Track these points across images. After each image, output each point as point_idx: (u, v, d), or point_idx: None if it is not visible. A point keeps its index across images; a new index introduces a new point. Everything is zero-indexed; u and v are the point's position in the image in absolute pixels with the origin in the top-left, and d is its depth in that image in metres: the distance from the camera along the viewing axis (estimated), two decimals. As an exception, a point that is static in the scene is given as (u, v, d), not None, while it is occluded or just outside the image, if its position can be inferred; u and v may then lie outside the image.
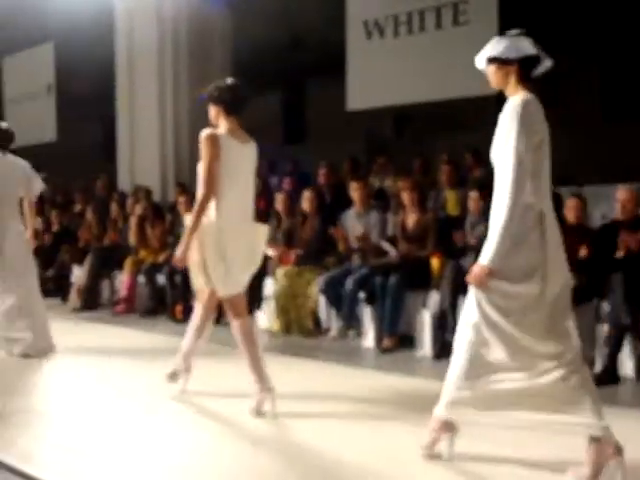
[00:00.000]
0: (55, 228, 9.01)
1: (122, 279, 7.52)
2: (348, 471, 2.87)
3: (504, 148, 2.66)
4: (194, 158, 9.01)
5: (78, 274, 7.81)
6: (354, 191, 6.06)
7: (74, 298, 7.65)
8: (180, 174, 8.85)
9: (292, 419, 3.55)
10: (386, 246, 5.67)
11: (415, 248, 5.54)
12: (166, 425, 3.56)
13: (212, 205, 3.56)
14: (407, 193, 5.64)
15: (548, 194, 2.75)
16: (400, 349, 5.23)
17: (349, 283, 5.48)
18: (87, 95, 12.09)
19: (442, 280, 5.10)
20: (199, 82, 8.99)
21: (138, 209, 7.80)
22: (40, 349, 5.12)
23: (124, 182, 9.25)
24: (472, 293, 2.75)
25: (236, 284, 3.71)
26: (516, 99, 2.70)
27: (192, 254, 3.59)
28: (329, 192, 7.15)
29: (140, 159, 9.11)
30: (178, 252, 3.60)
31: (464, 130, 8.44)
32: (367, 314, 5.53)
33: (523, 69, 2.78)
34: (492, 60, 2.81)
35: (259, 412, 3.56)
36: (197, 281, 3.78)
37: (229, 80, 3.88)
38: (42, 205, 9.73)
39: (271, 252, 6.16)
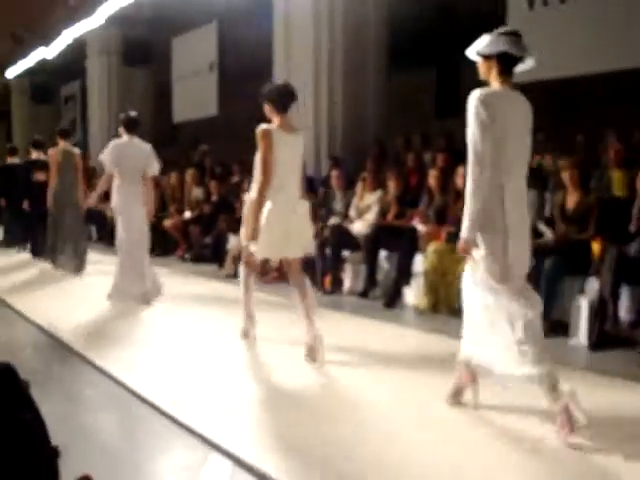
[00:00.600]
0: (214, 198, 9.52)
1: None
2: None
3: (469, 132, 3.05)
4: (347, 133, 9.15)
5: (234, 242, 8.18)
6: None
7: (229, 265, 8.04)
8: (333, 148, 8.99)
9: (431, 395, 3.53)
10: (543, 228, 5.44)
11: (574, 231, 5.26)
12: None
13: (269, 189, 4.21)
14: (568, 172, 5.35)
15: (514, 171, 3.12)
16: (552, 336, 4.99)
17: (500, 263, 5.31)
18: (246, 72, 12.55)
19: (603, 266, 4.80)
20: (354, 58, 9.05)
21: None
22: (146, 297, 6.26)
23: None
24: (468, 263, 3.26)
25: (287, 251, 4.36)
26: (476, 92, 3.06)
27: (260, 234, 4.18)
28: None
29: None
30: (247, 232, 4.31)
31: (634, 105, 7.83)
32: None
33: (502, 64, 3.12)
34: (478, 54, 3.19)
35: (312, 358, 4.22)
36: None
37: (279, 82, 4.63)
38: (202, 176, 10.32)
39: (421, 228, 6.13)
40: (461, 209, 5.80)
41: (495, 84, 3.16)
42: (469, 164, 3.09)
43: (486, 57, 3.18)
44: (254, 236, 4.19)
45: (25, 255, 10.02)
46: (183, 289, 7.15)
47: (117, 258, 6.47)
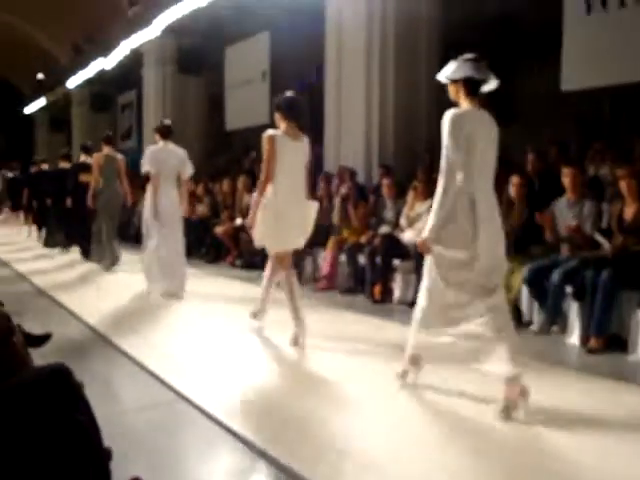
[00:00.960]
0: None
1: (325, 257, 7.81)
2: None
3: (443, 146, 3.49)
4: (399, 141, 9.10)
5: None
6: (566, 178, 5.70)
7: (279, 273, 8.08)
8: (384, 157, 8.95)
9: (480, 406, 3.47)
10: (600, 238, 5.29)
11: (633, 242, 5.10)
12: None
13: (270, 187, 4.75)
14: (626, 181, 5.20)
15: (483, 183, 3.55)
16: (608, 351, 4.86)
17: (556, 275, 5.20)
18: (297, 80, 12.62)
19: (663, 279, 4.65)
20: (406, 66, 9.01)
21: (342, 189, 8.05)
22: (172, 293, 6.83)
23: (330, 163, 9.55)
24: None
25: (284, 244, 4.93)
26: (449, 112, 3.54)
27: (257, 223, 4.79)
28: (537, 179, 6.81)
29: (346, 141, 9.35)
30: (248, 220, 4.89)
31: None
32: (573, 310, 5.20)
33: (467, 87, 3.59)
34: (446, 79, 3.66)
35: (294, 343, 4.83)
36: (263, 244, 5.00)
37: (288, 93, 5.01)
38: (253, 183, 10.41)
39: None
40: (515, 219, 5.78)
41: (464, 104, 3.62)
42: (441, 174, 3.54)
43: (454, 81, 3.66)
44: (250, 225, 4.87)
45: (69, 256, 10.71)
46: (230, 294, 7.22)
47: (147, 255, 7.09)
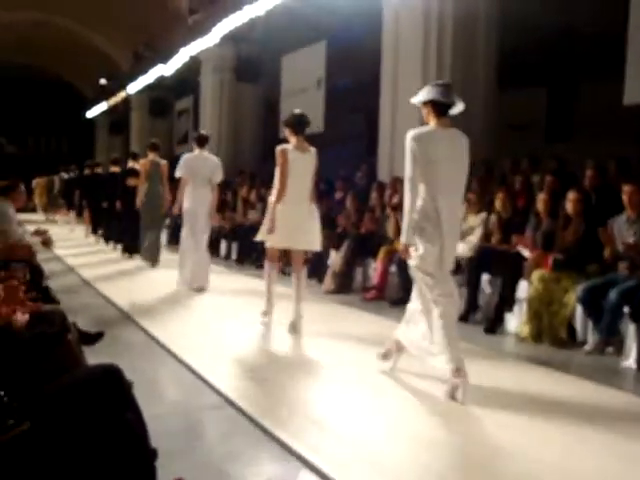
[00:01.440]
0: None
1: (375, 267, 7.77)
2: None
3: None
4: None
5: (334, 258, 8.22)
6: (625, 194, 5.53)
7: (328, 281, 8.07)
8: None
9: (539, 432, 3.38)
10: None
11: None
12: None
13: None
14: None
15: (447, 195, 3.99)
16: None
17: (613, 294, 5.04)
18: (352, 89, 12.65)
19: None
20: (462, 77, 8.91)
21: (394, 199, 8.00)
22: (197, 287, 7.58)
23: (383, 172, 9.51)
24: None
25: (281, 242, 5.64)
26: (410, 132, 4.05)
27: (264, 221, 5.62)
28: (595, 194, 6.64)
29: (400, 151, 9.27)
30: (265, 223, 5.52)
31: None
32: (630, 331, 5.04)
33: (435, 109, 4.07)
34: (418, 102, 4.14)
35: (263, 322, 5.82)
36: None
37: (296, 111, 5.75)
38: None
39: (527, 253, 5.92)
40: (571, 235, 5.63)
41: (432, 124, 4.11)
42: (405, 185, 4.06)
43: (424, 104, 4.11)
44: (270, 231, 5.49)
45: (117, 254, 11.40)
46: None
47: (180, 253, 7.82)
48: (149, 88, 20.24)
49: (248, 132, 15.92)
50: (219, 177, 7.82)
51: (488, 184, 7.96)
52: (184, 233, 7.76)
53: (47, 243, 6.04)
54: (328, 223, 9.05)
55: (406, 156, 4.00)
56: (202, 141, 7.79)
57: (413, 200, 3.95)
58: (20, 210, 6.40)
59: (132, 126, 23.27)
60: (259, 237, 5.77)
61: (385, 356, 4.49)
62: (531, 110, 10.88)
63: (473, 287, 6.34)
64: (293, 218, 5.45)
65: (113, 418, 1.87)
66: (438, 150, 3.99)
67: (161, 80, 18.57)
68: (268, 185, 12.16)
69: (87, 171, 15.61)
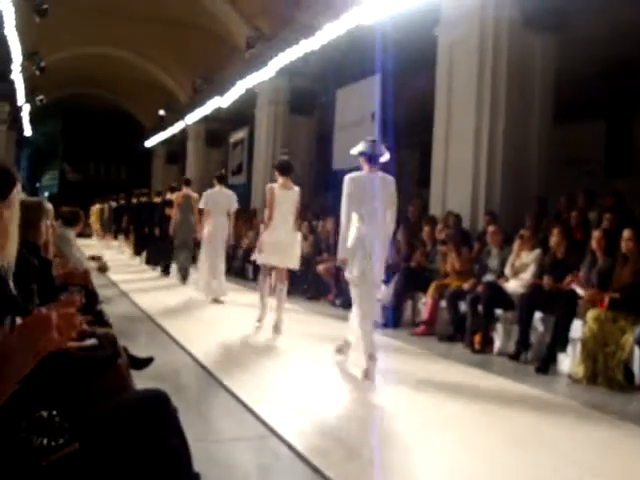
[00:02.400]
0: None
1: (425, 302, 7.69)
2: None
3: None
4: (506, 188, 8.90)
5: (384, 291, 8.16)
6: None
7: (378, 314, 7.98)
8: (491, 203, 8.76)
9: None
10: None
11: None
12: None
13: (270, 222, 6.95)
14: None
15: (373, 223, 5.19)
16: None
17: (672, 337, 4.86)
18: (406, 123, 12.66)
19: None
20: (517, 110, 8.85)
21: (442, 234, 7.94)
22: (215, 296, 9.06)
23: (436, 207, 9.46)
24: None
25: (269, 260, 7.04)
26: (347, 175, 5.32)
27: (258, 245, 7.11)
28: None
29: (452, 186, 9.24)
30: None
31: None
32: (692, 375, 4.85)
33: (365, 159, 5.32)
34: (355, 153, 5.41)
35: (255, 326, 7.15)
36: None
37: (283, 157, 7.60)
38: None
39: (582, 292, 5.76)
40: (627, 274, 5.45)
41: (365, 169, 5.35)
42: (341, 216, 5.33)
43: (359, 155, 5.36)
44: (259, 251, 7.01)
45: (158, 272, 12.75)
46: (325, 332, 7.22)
47: (201, 268, 9.44)
48: (205, 119, 20.71)
49: (301, 164, 16.06)
50: (234, 207, 9.37)
51: (541, 220, 7.83)
52: (203, 255, 9.43)
53: (103, 269, 6.21)
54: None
55: (343, 194, 5.23)
56: (221, 178, 9.56)
57: (347, 226, 5.23)
58: (78, 235, 6.60)
59: (188, 156, 23.81)
60: (253, 257, 7.32)
61: (339, 351, 5.68)
62: (590, 144, 10.71)
63: (525, 325, 6.19)
64: (278, 242, 6.88)
65: (158, 443, 1.88)
66: (363, 191, 5.20)
67: (217, 112, 18.99)
68: (320, 216, 12.30)
69: (134, 200, 17.66)
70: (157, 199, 14.29)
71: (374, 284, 5.30)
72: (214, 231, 9.18)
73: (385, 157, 5.37)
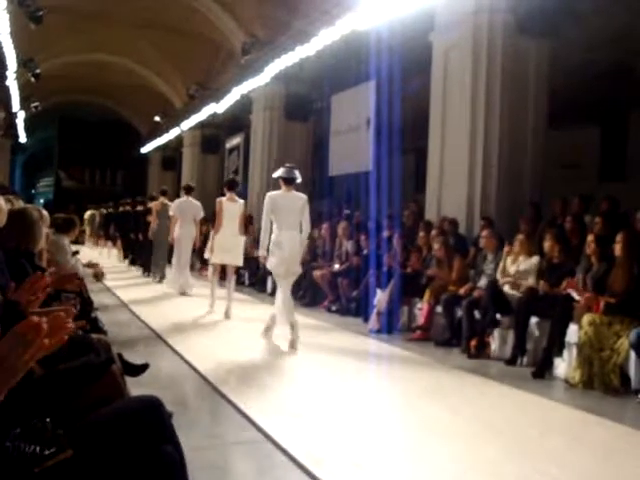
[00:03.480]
0: (365, 252, 9.58)
1: (421, 307, 7.69)
2: None
3: None
4: (501, 194, 8.91)
5: (380, 297, 8.17)
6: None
7: (374, 320, 8.01)
8: (486, 208, 8.77)
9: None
10: None
11: None
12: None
13: (220, 229, 8.53)
14: None
15: (286, 230, 6.58)
16: None
17: (668, 341, 4.86)
18: (401, 128, 12.68)
19: None
20: (511, 117, 8.87)
21: (435, 245, 7.92)
22: (182, 290, 10.67)
23: (431, 212, 9.47)
24: None
25: (218, 259, 8.80)
26: (268, 193, 6.82)
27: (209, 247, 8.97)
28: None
29: (448, 191, 9.25)
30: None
31: None
32: (688, 379, 4.85)
33: (282, 181, 6.74)
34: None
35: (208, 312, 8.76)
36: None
37: (230, 176, 13.66)
38: (357, 227, 10.45)
39: (577, 297, 5.76)
40: (620, 278, 5.45)
41: (282, 189, 6.75)
42: (262, 224, 6.87)
43: (278, 178, 6.83)
44: (211, 252, 8.70)
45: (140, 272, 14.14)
46: (317, 339, 7.22)
47: (172, 266, 11.22)
48: (201, 125, 20.72)
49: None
50: (200, 215, 10.98)
51: (537, 225, 7.84)
52: (176, 254, 11.03)
53: (99, 276, 6.19)
54: (376, 261, 9.05)
55: (264, 208, 6.69)
56: (188, 190, 11.09)
57: (265, 231, 6.71)
58: (73, 242, 6.58)
59: (184, 162, 23.79)
60: (206, 255, 9.28)
61: (267, 330, 6.84)
62: (585, 149, 10.73)
63: (521, 330, 6.19)
64: (226, 244, 8.49)
65: (152, 449, 1.87)
66: (280, 205, 6.64)
67: (213, 118, 18.99)
68: (317, 223, 12.31)
69: (121, 208, 19.33)
70: (140, 207, 15.76)
71: (289, 273, 6.69)
72: (181, 235, 10.77)
73: (298, 179, 6.82)
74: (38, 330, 1.47)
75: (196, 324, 8.07)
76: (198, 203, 10.92)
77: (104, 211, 22.77)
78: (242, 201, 8.84)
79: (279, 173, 6.84)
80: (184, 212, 10.75)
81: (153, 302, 9.89)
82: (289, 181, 6.74)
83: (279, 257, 6.56)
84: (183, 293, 10.60)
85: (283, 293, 6.65)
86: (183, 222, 10.73)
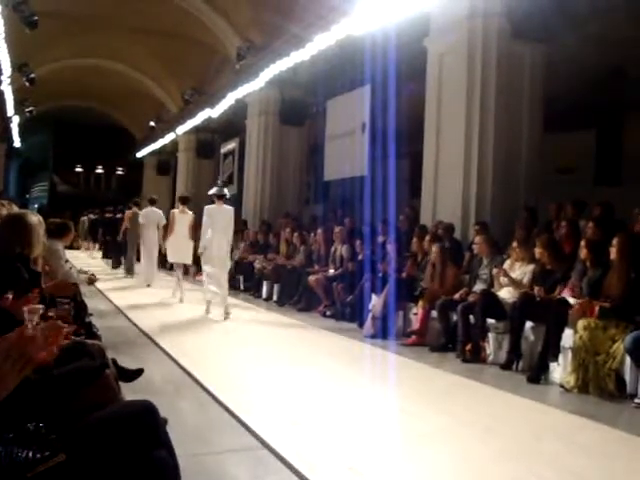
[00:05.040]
0: (360, 257, 9.57)
1: (416, 312, 7.67)
2: None
3: None
4: (497, 198, 8.90)
5: (375, 302, 8.16)
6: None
7: (368, 325, 8.00)
8: (481, 212, 8.78)
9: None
10: None
11: None
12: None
13: (172, 234, 10.92)
14: None
15: (218, 234, 8.81)
16: None
17: (663, 346, 4.87)
18: (396, 133, 12.68)
19: None
20: (507, 123, 8.88)
21: (433, 251, 7.91)
22: (147, 282, 12.73)
23: (426, 216, 9.47)
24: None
25: (172, 259, 11.44)
26: (205, 207, 9.10)
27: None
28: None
29: (443, 196, 9.26)
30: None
31: None
32: (683, 383, 4.85)
33: (215, 197, 8.96)
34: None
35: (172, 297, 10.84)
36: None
37: (182, 193, 14.73)
38: (350, 233, 10.42)
39: (572, 301, 5.77)
40: (615, 282, 5.44)
41: (216, 203, 8.86)
42: (202, 229, 8.95)
43: (212, 194, 8.96)
44: (167, 254, 11.24)
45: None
46: (311, 344, 7.20)
47: (141, 263, 13.50)
48: (196, 130, 20.71)
49: (292, 174, 16.09)
50: (163, 222, 12.64)
51: (532, 230, 7.84)
52: (144, 254, 13.18)
53: (92, 281, 6.17)
54: (370, 266, 9.04)
55: (203, 217, 8.89)
56: (153, 201, 13.40)
57: (205, 234, 8.80)
58: (66, 247, 6.56)
59: (179, 167, 23.77)
60: (169, 257, 11.52)
61: (207, 311, 9.03)
62: (580, 153, 10.75)
63: (516, 334, 6.18)
64: (177, 247, 10.87)
65: (145, 454, 1.86)
66: (214, 216, 8.83)
67: (208, 122, 18.98)
68: (310, 228, 12.32)
69: (107, 215, 21.78)
70: (120, 215, 18.40)
71: (217, 265, 8.86)
72: (147, 238, 12.98)
73: (227, 195, 9.14)
74: (31, 341, 1.46)
75: (191, 328, 8.05)
76: (160, 212, 13.18)
77: (92, 217, 24.84)
78: (191, 212, 10.99)
79: (213, 191, 9.01)
80: (149, 219, 13.04)
81: (146, 306, 9.87)
82: (220, 197, 8.91)
83: (209, 253, 8.85)
84: (148, 285, 12.65)
85: (217, 282, 8.88)
86: (148, 228, 12.93)
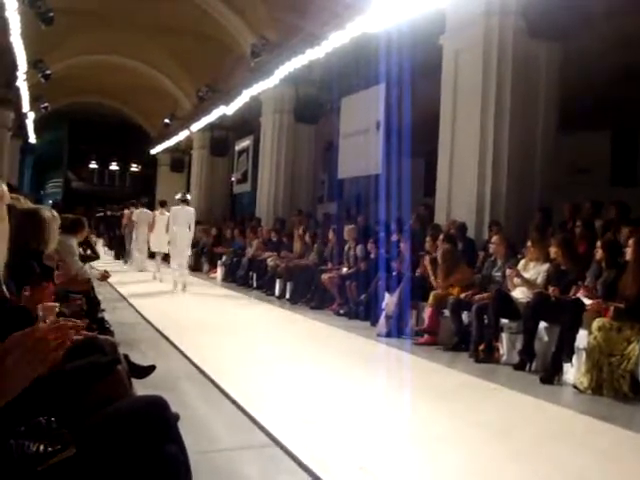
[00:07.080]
0: (373, 255, 9.54)
1: (427, 311, 7.64)
2: None
3: None
4: (511, 198, 8.84)
5: (389, 301, 8.12)
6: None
7: (382, 323, 7.97)
8: (496, 212, 8.72)
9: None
10: None
11: None
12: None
13: (155, 230, 14.29)
14: None
15: (180, 229, 11.78)
16: None
17: (679, 347, 4.82)
18: (411, 131, 12.62)
19: None
20: (522, 122, 8.82)
21: (439, 250, 7.87)
22: (140, 269, 15.40)
23: (441, 215, 9.42)
24: None
25: (153, 248, 14.71)
26: (172, 207, 12.72)
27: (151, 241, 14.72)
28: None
29: (457, 195, 9.21)
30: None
31: None
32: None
33: (180, 201, 12.19)
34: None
35: (153, 277, 13.87)
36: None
37: (182, 192, 13.38)
38: (365, 232, 10.40)
39: (587, 302, 5.71)
40: (631, 282, 5.39)
41: (180, 205, 12.03)
42: (170, 224, 12.23)
43: (177, 200, 12.35)
44: (149, 245, 14.82)
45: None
46: (324, 343, 7.19)
47: (136, 253, 15.96)
48: (211, 128, 20.76)
49: (306, 172, 16.09)
50: (151, 219, 14.74)
51: (546, 230, 7.78)
52: (135, 246, 15.95)
53: (105, 277, 6.19)
54: (384, 265, 9.00)
55: (170, 216, 12.01)
56: (187, 200, 13.89)
57: (171, 230, 11.82)
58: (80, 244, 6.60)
59: (193, 164, 23.83)
60: (153, 247, 14.44)
61: (174, 287, 11.43)
62: (596, 154, 10.66)
63: (530, 335, 6.13)
64: (157, 239, 13.83)
65: (156, 449, 1.86)
66: (178, 216, 11.70)
67: (222, 120, 19.01)
68: (324, 226, 12.31)
69: (109, 212, 24.97)
70: (121, 212, 20.09)
71: (179, 251, 11.67)
72: (140, 234, 15.42)
73: (189, 199, 12.32)
74: (43, 341, 1.45)
75: (202, 324, 8.06)
76: (150, 212, 15.71)
77: (97, 215, 27.56)
78: (167, 213, 13.00)
79: (178, 196, 12.18)
80: (141, 218, 15.66)
81: (157, 300, 9.91)
82: (183, 201, 11.97)
83: (174, 242, 11.81)
84: (141, 270, 15.17)
85: (178, 264, 11.68)
86: (140, 225, 15.51)
